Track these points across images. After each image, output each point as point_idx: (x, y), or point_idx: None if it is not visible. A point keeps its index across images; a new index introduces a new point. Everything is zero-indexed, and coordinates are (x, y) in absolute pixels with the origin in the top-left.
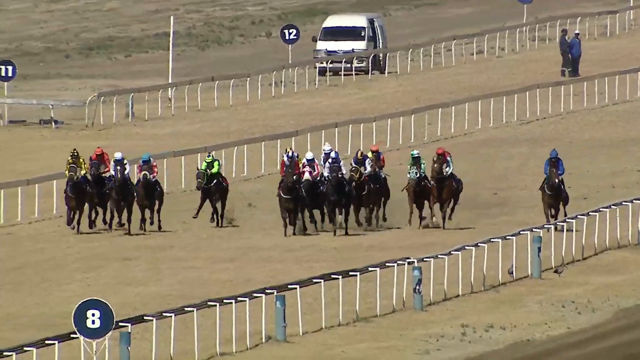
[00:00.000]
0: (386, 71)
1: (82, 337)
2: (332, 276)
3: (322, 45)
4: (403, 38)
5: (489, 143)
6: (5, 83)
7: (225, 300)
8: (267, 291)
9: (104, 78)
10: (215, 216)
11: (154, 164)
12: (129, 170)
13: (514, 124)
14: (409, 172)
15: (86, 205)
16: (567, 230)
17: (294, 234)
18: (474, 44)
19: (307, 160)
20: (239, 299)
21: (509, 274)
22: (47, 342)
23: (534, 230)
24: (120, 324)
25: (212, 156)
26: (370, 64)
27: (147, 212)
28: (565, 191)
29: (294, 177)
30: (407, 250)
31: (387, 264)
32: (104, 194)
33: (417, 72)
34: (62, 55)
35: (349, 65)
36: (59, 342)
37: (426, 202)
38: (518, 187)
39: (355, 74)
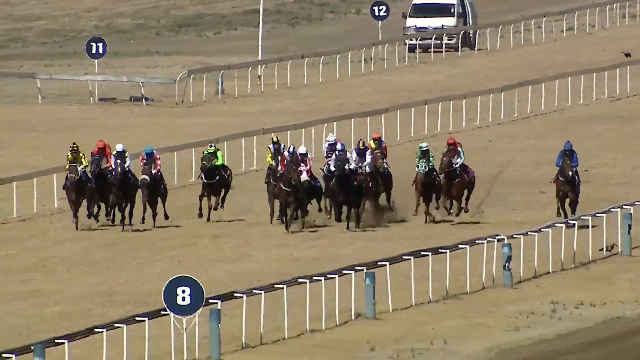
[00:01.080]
0: (476, 48)
1: (172, 314)
2: (422, 253)
3: (411, 22)
4: (493, 15)
5: (578, 120)
6: (96, 60)
7: (314, 278)
8: (356, 268)
9: (193, 55)
10: (209, 214)
11: (157, 156)
12: (130, 163)
13: (604, 100)
14: (418, 166)
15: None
16: None
17: (287, 228)
18: (563, 21)
19: (300, 154)
20: (328, 276)
21: (607, 250)
22: (137, 318)
23: (624, 207)
24: (210, 301)
25: (214, 146)
26: (460, 41)
27: (153, 208)
28: (579, 185)
29: (296, 174)
30: (497, 228)
31: (476, 241)
32: (106, 189)
33: (507, 48)
34: (152, 33)
35: (438, 42)
36: (149, 319)
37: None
38: (608, 164)
39: (445, 51)
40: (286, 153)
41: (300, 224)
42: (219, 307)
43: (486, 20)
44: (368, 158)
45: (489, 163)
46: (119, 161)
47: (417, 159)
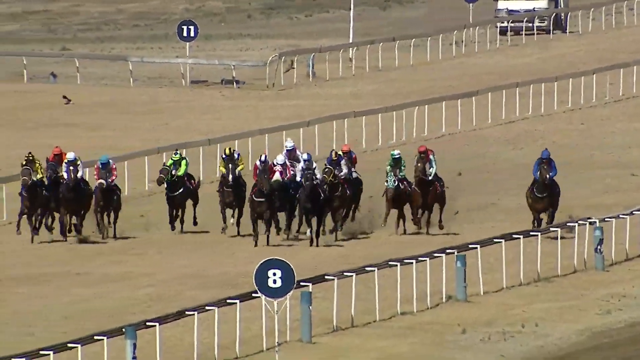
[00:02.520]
0: (567, 31)
1: (263, 297)
2: (514, 236)
3: (503, 4)
4: None
5: None
6: (187, 43)
7: (405, 260)
8: (447, 251)
9: (284, 38)
10: (181, 224)
11: (113, 166)
12: (82, 172)
13: None
14: (387, 180)
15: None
16: None
17: (267, 243)
18: None
19: (278, 163)
20: (419, 259)
21: None
22: (228, 301)
23: None
24: (302, 283)
25: (180, 154)
26: (551, 24)
27: (107, 217)
28: (558, 191)
29: (269, 183)
30: (588, 211)
31: (568, 224)
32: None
33: (599, 31)
34: (243, 16)
35: (530, 24)
36: (240, 301)
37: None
38: None
39: (537, 34)
40: (258, 162)
41: (279, 234)
42: (310, 290)
43: (578, 2)
44: (344, 167)
45: (581, 146)
46: (71, 168)
47: (388, 168)
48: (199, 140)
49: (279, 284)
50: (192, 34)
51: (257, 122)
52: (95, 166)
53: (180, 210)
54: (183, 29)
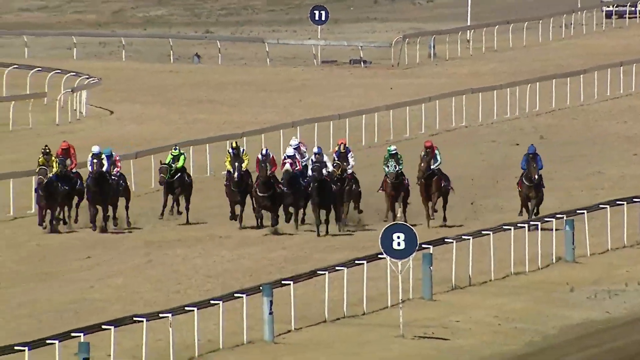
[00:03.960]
0: None
1: (388, 258)
2: (617, 202)
3: None
4: None
5: None
6: (319, 26)
7: (519, 225)
8: (557, 216)
9: (408, 21)
10: (175, 210)
11: (117, 158)
12: (108, 165)
13: None
14: (388, 166)
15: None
16: None
17: (275, 231)
18: None
19: (288, 156)
20: (531, 223)
21: None
22: (356, 262)
23: None
24: (423, 246)
25: (179, 149)
26: None
27: (112, 209)
28: (542, 188)
29: (269, 172)
30: None
31: None
32: (72, 191)
33: None
34: (370, 1)
35: (633, 9)
36: (367, 262)
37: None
38: None
39: (639, 17)
40: (259, 155)
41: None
42: (431, 252)
43: None
44: (351, 160)
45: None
46: (95, 161)
47: (385, 161)
48: (330, 115)
49: (402, 246)
50: (323, 18)
51: (383, 99)
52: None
53: (175, 198)
54: (315, 13)
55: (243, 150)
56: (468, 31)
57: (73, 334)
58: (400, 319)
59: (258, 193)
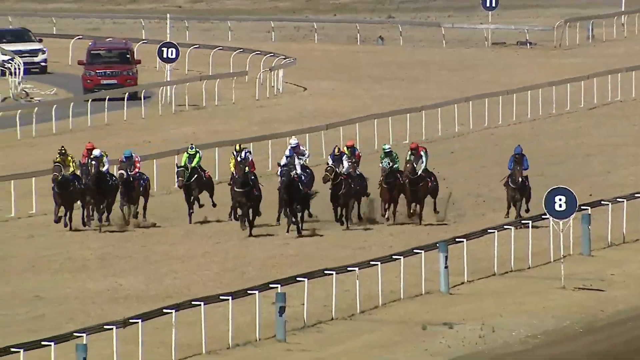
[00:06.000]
0: None
1: (551, 218)
2: None
3: None
4: None
5: None
6: (489, 12)
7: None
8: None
9: (569, 7)
10: (190, 217)
11: (137, 159)
12: (108, 167)
13: None
14: (382, 162)
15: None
16: None
17: (250, 234)
18: None
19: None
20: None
21: None
22: (522, 222)
23: None
24: (582, 207)
25: (195, 148)
26: None
27: (131, 208)
28: (529, 187)
29: (245, 171)
30: None
31: None
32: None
33: None
34: None
35: None
36: (532, 222)
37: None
38: None
39: None
40: (239, 158)
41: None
42: (589, 212)
43: None
44: (345, 163)
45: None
46: (93, 163)
47: (380, 159)
48: (498, 92)
49: (564, 207)
50: (493, 4)
51: (546, 77)
52: (119, 160)
53: (194, 199)
54: (487, 0)
55: (247, 152)
56: (623, 16)
57: (271, 285)
58: (562, 273)
59: (235, 189)
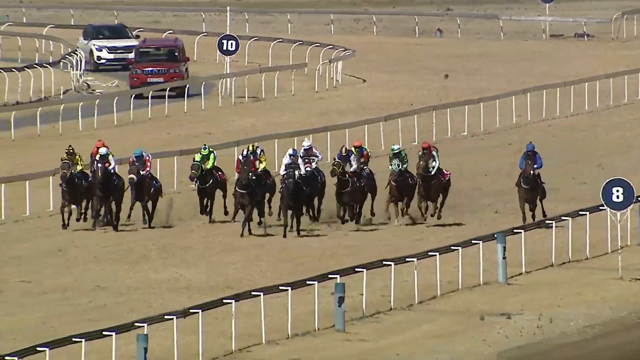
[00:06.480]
0: None
1: (608, 209)
2: None
3: None
4: None
5: None
6: (547, 4)
7: None
8: None
9: (626, 0)
10: (210, 217)
11: (147, 158)
12: (115, 165)
13: None
14: (391, 165)
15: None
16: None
17: (250, 232)
18: None
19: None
20: None
21: None
22: (580, 212)
23: None
24: (639, 199)
25: (208, 148)
26: None
27: (149, 206)
28: (542, 185)
29: (249, 174)
30: None
31: None
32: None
33: None
34: None
35: None
36: (589, 213)
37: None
38: None
39: None
40: (240, 157)
41: (262, 226)
42: None
43: None
44: (353, 162)
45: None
46: (99, 165)
47: (390, 160)
48: (555, 83)
49: (621, 199)
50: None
51: (603, 69)
52: (130, 159)
53: (209, 201)
54: None
55: (261, 151)
56: None
57: (330, 276)
58: (619, 264)
59: (237, 189)
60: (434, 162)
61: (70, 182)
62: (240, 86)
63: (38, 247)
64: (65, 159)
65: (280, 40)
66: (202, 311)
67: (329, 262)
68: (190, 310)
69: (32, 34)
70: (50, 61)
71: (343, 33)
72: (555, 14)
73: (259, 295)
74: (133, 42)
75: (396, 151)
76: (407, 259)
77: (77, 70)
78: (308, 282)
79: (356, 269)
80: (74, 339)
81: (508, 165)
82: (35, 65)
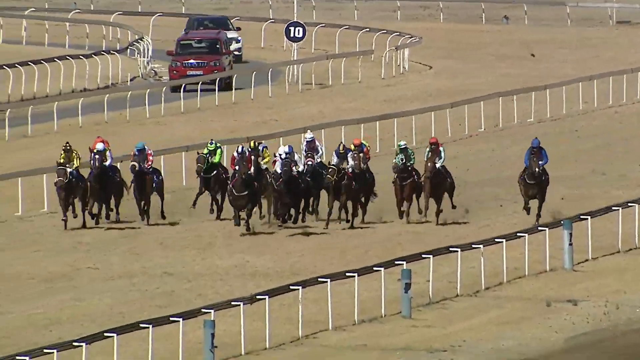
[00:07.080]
0: None
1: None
2: None
3: None
4: None
5: None
6: None
7: None
8: None
9: None
10: (214, 207)
11: (149, 152)
12: (111, 161)
13: None
14: (395, 159)
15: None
16: None
17: (248, 229)
18: None
19: (279, 155)
20: None
21: None
22: (613, 208)
23: None
24: None
25: (215, 144)
26: None
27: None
28: (547, 179)
29: (248, 170)
30: None
31: None
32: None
33: None
34: None
35: None
36: (621, 209)
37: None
38: None
39: None
40: (235, 153)
41: (264, 223)
42: None
43: None
44: (350, 160)
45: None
46: (97, 157)
47: (395, 156)
48: (622, 70)
49: None
50: None
51: None
52: (132, 153)
53: (214, 194)
54: None
55: (264, 147)
56: None
57: (396, 262)
58: None
59: (235, 193)
60: (439, 159)
61: (67, 189)
62: (307, 73)
63: (105, 234)
64: (62, 162)
65: (347, 27)
66: (269, 297)
67: (395, 249)
68: (257, 297)
69: (99, 21)
70: (118, 48)
71: (409, 20)
72: (622, 0)
73: (326, 281)
74: (233, 35)
75: (403, 147)
76: (473, 246)
77: (144, 57)
78: (375, 269)
79: (423, 255)
80: (141, 325)
81: (574, 152)
82: (102, 52)
